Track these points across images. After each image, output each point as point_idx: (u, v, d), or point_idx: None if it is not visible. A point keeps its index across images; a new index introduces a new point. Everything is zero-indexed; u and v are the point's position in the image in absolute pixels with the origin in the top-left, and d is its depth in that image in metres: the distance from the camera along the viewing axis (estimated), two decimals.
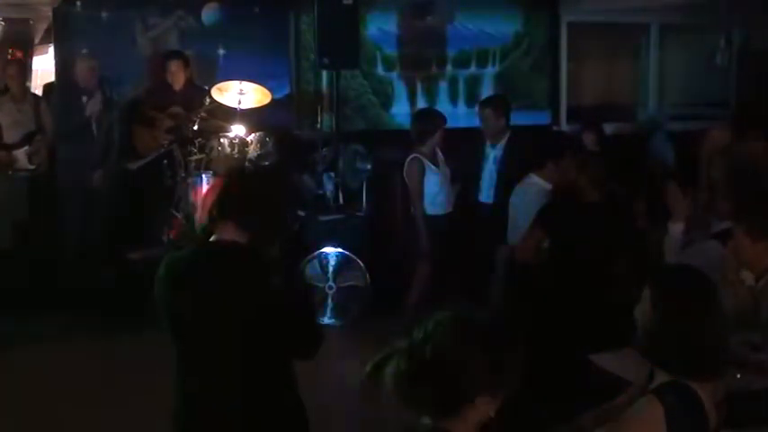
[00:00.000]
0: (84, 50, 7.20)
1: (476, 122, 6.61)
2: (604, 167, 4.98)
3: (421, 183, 5.94)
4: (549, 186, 5.40)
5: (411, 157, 5.97)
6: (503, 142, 6.28)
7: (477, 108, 6.68)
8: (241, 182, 2.80)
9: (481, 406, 1.93)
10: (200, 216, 6.05)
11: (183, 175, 6.87)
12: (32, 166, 6.83)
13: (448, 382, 1.90)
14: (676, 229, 4.17)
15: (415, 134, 6.08)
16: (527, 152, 5.92)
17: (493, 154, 6.33)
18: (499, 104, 6.45)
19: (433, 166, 6.00)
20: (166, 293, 2.66)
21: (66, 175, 7.07)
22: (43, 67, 7.92)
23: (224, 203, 2.69)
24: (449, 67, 8.52)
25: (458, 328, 1.95)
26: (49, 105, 7.24)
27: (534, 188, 5.48)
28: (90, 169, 7.03)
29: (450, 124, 6.23)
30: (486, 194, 6.35)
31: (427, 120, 6.18)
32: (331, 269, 6.54)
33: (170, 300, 2.65)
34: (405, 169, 6.02)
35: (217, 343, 2.59)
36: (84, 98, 7.08)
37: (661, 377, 2.37)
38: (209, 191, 6.28)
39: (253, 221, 2.66)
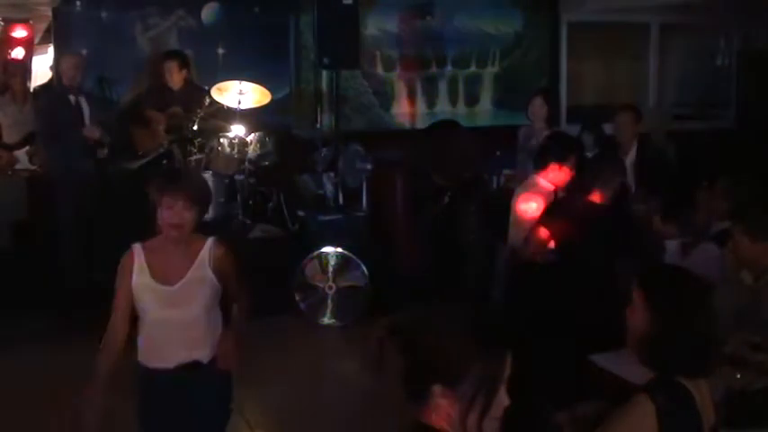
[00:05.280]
0: (84, 50, 7.20)
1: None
2: (606, 167, 4.99)
3: None
4: (551, 188, 5.39)
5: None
6: (546, 130, 6.30)
7: (534, 97, 6.67)
8: None
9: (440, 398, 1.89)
10: None
11: None
12: (32, 167, 6.82)
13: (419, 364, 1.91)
14: (672, 246, 4.22)
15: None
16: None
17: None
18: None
19: None
20: None
21: (57, 174, 6.89)
22: (43, 68, 7.92)
23: None
24: (449, 67, 8.52)
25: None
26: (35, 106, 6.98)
27: (536, 189, 5.46)
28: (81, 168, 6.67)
29: None
30: None
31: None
32: (331, 269, 6.53)
33: None
34: None
35: None
36: (72, 97, 6.61)
37: (652, 374, 2.37)
38: None
39: None
